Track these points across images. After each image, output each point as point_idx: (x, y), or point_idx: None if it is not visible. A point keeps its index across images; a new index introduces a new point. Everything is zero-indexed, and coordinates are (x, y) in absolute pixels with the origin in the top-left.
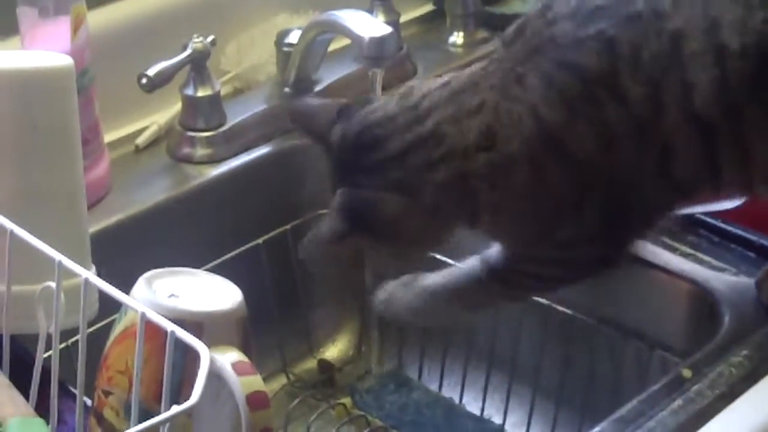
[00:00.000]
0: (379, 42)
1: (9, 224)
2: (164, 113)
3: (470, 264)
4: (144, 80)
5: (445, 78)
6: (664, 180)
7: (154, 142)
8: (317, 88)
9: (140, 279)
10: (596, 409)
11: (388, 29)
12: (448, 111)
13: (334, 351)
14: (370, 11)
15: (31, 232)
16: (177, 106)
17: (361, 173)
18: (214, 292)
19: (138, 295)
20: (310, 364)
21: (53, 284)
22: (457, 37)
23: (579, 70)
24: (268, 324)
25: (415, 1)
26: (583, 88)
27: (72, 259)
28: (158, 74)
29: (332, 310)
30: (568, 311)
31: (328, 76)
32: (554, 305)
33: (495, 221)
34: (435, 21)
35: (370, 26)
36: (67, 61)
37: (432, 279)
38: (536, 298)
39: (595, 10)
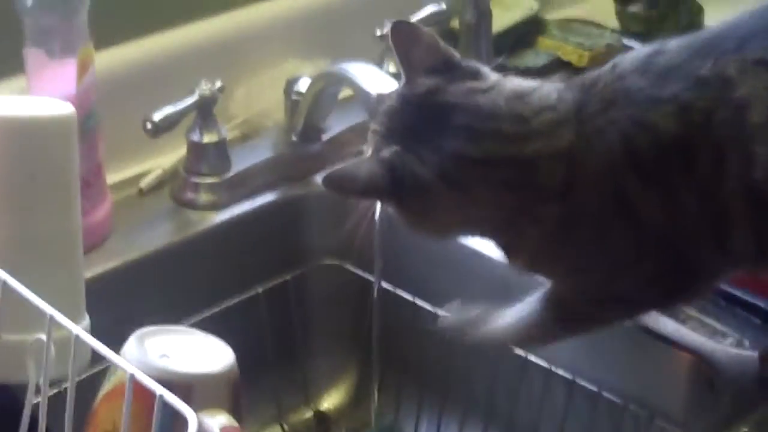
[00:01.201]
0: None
1: (2, 274)
2: (169, 156)
3: (530, 303)
4: (149, 125)
5: (553, 92)
6: (719, 248)
7: (157, 186)
8: (325, 137)
9: (132, 337)
10: None
11: (395, 85)
12: (550, 143)
13: (330, 402)
14: (381, 61)
15: (25, 281)
16: (182, 150)
17: (431, 143)
18: (206, 353)
19: (129, 353)
20: (306, 414)
21: (44, 337)
22: None
23: (656, 133)
24: (264, 373)
25: None
26: (658, 153)
27: (65, 310)
28: (164, 120)
29: (330, 361)
30: (568, 376)
31: (337, 125)
32: (554, 369)
33: (537, 261)
34: None
35: (377, 81)
36: (68, 110)
37: (496, 322)
38: (536, 361)
39: (666, 70)
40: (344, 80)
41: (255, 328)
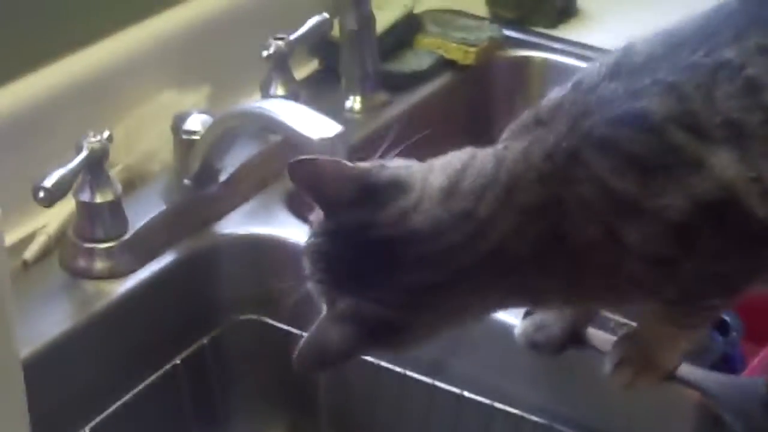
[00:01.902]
0: (331, 143)
1: None
2: (44, 215)
3: None
4: (42, 194)
5: (484, 164)
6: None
7: (43, 254)
8: (222, 178)
9: None
10: None
11: (337, 127)
12: (509, 221)
13: None
14: (268, 83)
15: None
16: (65, 209)
17: (390, 287)
18: None
19: None
20: None
21: None
22: (354, 102)
23: (643, 117)
24: None
25: (299, 60)
26: (654, 137)
27: None
28: (57, 185)
29: (257, 425)
30: (544, 421)
31: (232, 162)
32: (527, 415)
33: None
34: (327, 82)
35: (315, 124)
36: None
37: None
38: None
39: (642, 65)
40: (268, 123)
41: (174, 401)
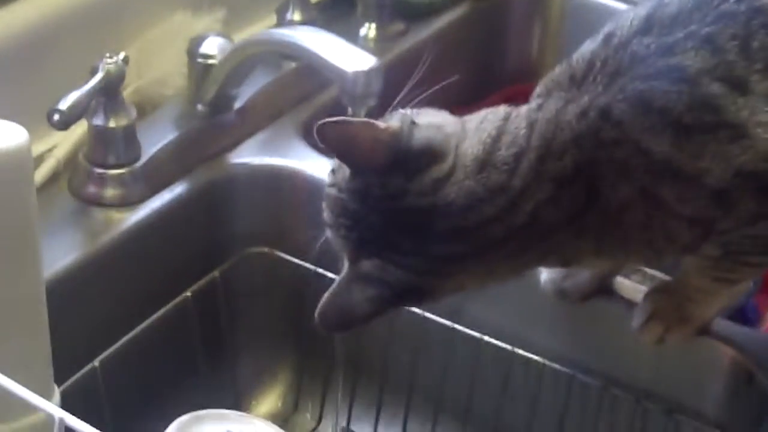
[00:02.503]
0: (366, 77)
1: None
2: (52, 138)
3: None
4: (56, 116)
5: (518, 129)
6: None
7: (51, 179)
8: (237, 105)
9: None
10: None
11: (372, 60)
12: (543, 191)
13: (267, 407)
14: (285, 8)
15: None
16: (74, 133)
17: (418, 254)
18: None
19: None
20: None
21: None
22: (369, 30)
23: (679, 72)
24: (194, 379)
25: None
26: (690, 92)
27: (35, 385)
28: (72, 107)
29: (265, 361)
30: (566, 370)
31: (246, 90)
32: (548, 363)
33: (603, 257)
34: (342, 9)
35: (350, 56)
36: (21, 137)
37: None
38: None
39: (674, 17)
40: (301, 52)
41: (184, 334)
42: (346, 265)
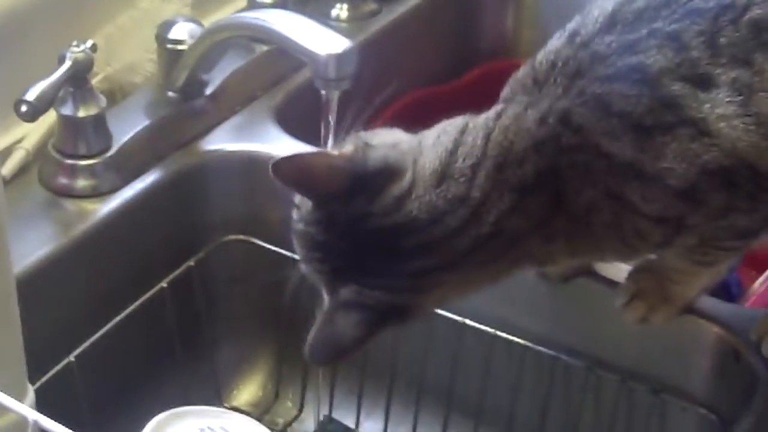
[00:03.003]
0: (339, 60)
1: None
2: (21, 129)
3: None
4: (24, 107)
5: (475, 139)
6: None
7: (20, 171)
8: (208, 91)
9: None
10: None
11: (345, 42)
12: (505, 202)
13: (246, 397)
14: None
15: None
16: (43, 123)
17: (392, 273)
18: None
19: None
20: None
21: None
22: (341, 10)
23: (639, 72)
24: (173, 370)
25: None
26: (650, 94)
27: (9, 384)
28: (40, 97)
29: (244, 351)
30: (550, 352)
31: (217, 75)
32: (531, 345)
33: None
34: None
35: (322, 39)
36: None
37: None
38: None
39: (640, 13)
40: (270, 35)
41: (161, 325)
42: (325, 298)
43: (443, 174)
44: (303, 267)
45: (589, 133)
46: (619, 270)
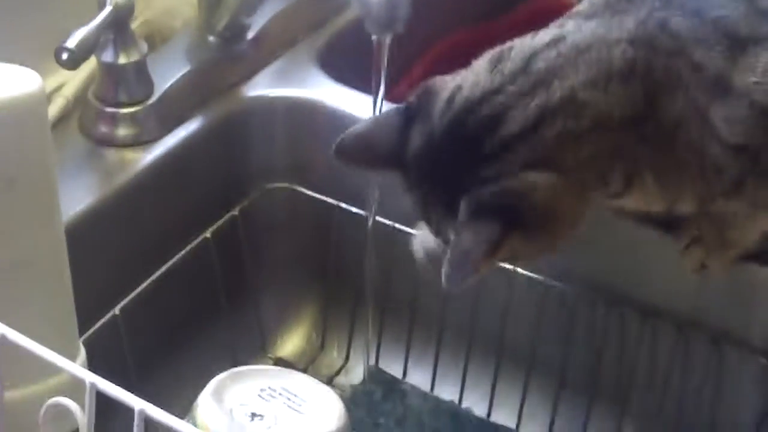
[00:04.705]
0: (391, 2)
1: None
2: (60, 75)
3: None
4: (65, 55)
5: (546, 33)
6: None
7: (60, 119)
8: (250, 34)
9: (204, 393)
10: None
11: None
12: (580, 75)
13: (292, 346)
14: None
15: (15, 313)
16: (84, 69)
17: (476, 167)
18: (310, 405)
19: (206, 419)
20: (265, 365)
21: (63, 400)
22: None
23: None
24: (217, 321)
25: None
26: (747, 3)
27: (62, 345)
28: (81, 44)
29: (289, 300)
30: (604, 300)
31: (258, 18)
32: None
33: (660, 183)
34: None
35: None
36: (35, 82)
37: None
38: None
39: None
40: None
41: (205, 276)
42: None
43: (497, 60)
44: (432, 232)
45: (684, 39)
46: None
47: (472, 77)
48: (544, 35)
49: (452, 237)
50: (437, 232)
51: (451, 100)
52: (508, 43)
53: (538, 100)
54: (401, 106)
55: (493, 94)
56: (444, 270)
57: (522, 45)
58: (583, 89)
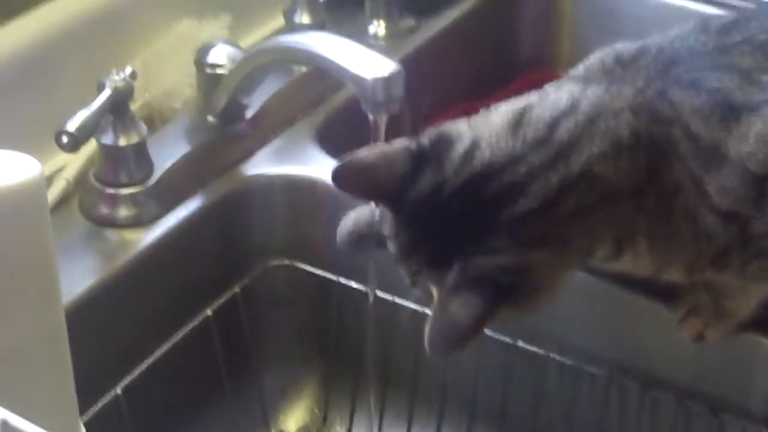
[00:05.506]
0: (386, 83)
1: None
2: (61, 158)
3: None
4: (65, 138)
5: (559, 97)
6: None
7: (61, 201)
8: (248, 114)
9: None
10: None
11: (392, 66)
12: (594, 147)
13: (295, 421)
14: (293, 10)
15: (15, 396)
16: (84, 152)
17: (485, 234)
18: None
19: None
20: None
21: None
22: (379, 27)
23: (732, 67)
24: (220, 398)
25: None
26: (741, 77)
27: (61, 420)
28: (81, 128)
29: (291, 376)
30: (603, 372)
31: (257, 98)
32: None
33: (652, 250)
34: (350, 8)
35: (368, 62)
36: (35, 168)
37: None
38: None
39: (732, 23)
40: (314, 60)
41: (207, 353)
42: (435, 296)
43: (517, 123)
44: (406, 277)
45: (680, 108)
46: None
47: (489, 135)
48: (560, 95)
49: (434, 293)
50: (413, 280)
51: (469, 156)
52: (524, 99)
53: (559, 174)
54: (411, 145)
55: (515, 163)
56: (428, 335)
57: (542, 107)
58: (597, 162)
